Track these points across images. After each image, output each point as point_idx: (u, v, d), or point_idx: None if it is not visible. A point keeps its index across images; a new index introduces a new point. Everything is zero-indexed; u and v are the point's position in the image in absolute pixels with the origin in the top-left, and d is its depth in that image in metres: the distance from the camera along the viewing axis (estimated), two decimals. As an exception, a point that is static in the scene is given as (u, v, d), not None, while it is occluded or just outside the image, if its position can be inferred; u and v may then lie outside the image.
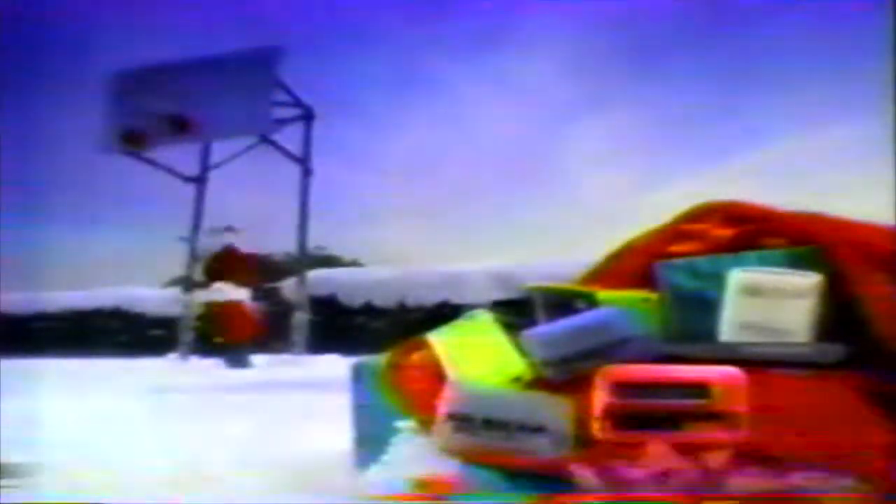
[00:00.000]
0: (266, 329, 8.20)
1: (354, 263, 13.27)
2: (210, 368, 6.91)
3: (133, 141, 9.26)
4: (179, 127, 9.20)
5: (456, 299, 9.33)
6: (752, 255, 1.35)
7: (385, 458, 1.24)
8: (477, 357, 1.33)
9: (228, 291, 7.71)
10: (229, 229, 8.17)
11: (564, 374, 1.20)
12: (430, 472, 1.14)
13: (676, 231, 1.48)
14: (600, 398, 1.11)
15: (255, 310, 8.06)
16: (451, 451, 1.16)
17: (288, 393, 3.57)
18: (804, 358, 1.16)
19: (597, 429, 1.10)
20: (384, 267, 11.05)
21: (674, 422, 1.07)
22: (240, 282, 7.83)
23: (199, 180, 10.13)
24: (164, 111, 9.19)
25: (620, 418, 1.09)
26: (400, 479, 1.16)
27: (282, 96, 9.63)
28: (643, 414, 1.09)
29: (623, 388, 1.11)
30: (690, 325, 1.35)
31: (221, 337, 7.68)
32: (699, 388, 1.08)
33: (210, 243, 8.29)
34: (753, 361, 1.13)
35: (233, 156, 9.98)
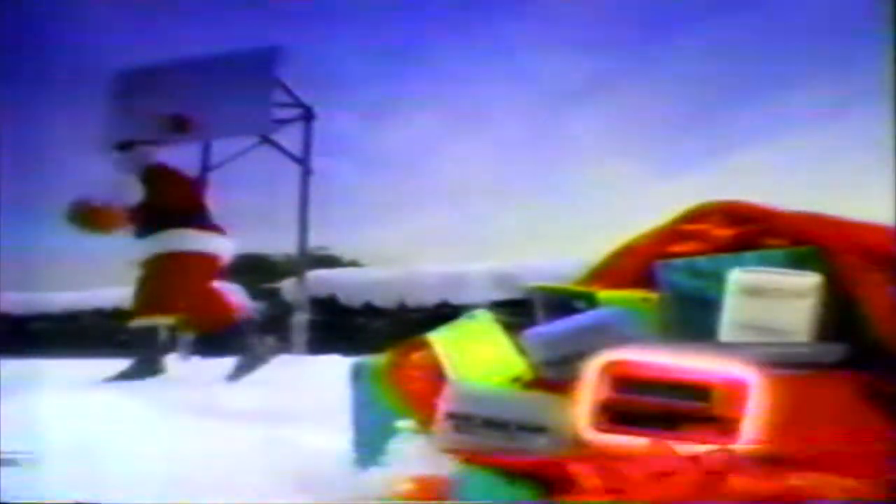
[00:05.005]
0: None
1: (354, 263, 13.24)
2: (210, 368, 6.88)
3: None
4: (179, 127, 9.20)
5: (456, 299, 9.32)
6: (752, 255, 1.35)
7: (385, 458, 1.24)
8: (477, 357, 1.33)
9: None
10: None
11: (564, 374, 1.20)
12: (430, 472, 1.14)
13: (676, 231, 1.48)
14: (597, 392, 1.10)
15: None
16: (451, 451, 1.16)
17: (288, 393, 3.56)
18: (804, 358, 1.16)
19: (592, 424, 1.10)
20: (384, 267, 11.03)
21: (672, 422, 1.07)
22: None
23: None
24: (164, 111, 9.19)
25: (617, 415, 1.09)
26: (400, 479, 1.16)
27: (282, 96, 9.63)
28: (642, 412, 1.08)
29: (621, 383, 1.11)
30: (690, 325, 1.35)
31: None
32: (699, 390, 1.08)
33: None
34: (753, 361, 1.12)
35: (233, 155, 10.00)
